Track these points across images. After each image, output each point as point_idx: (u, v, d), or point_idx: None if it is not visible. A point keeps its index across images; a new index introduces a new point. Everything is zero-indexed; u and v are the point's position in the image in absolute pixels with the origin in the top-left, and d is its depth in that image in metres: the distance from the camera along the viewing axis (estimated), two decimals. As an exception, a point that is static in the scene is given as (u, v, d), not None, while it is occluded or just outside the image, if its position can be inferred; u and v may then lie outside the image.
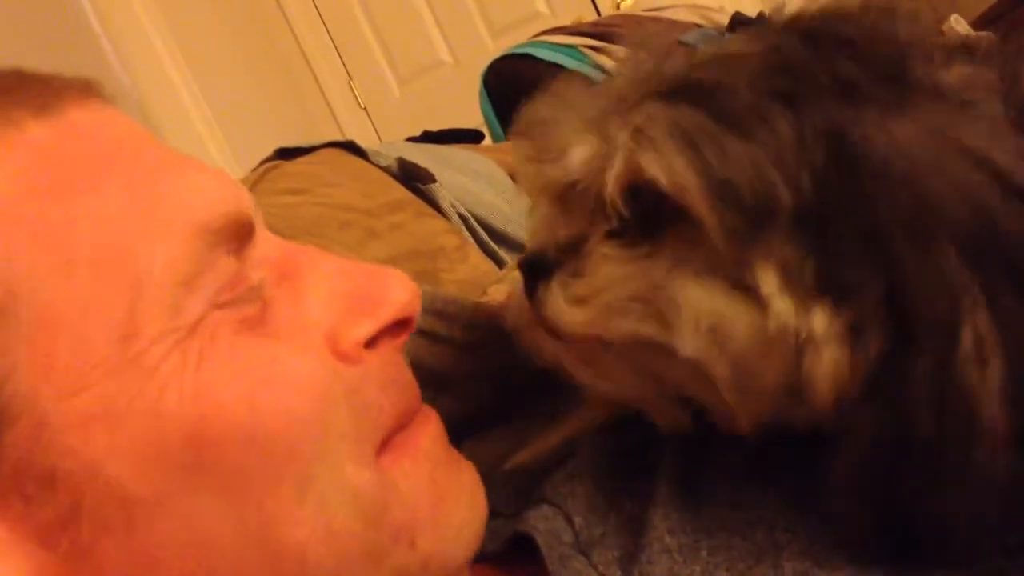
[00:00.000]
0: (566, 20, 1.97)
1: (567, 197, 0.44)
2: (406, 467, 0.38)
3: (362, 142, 1.00)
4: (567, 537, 0.44)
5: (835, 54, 0.39)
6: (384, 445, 0.37)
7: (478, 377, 0.54)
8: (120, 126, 0.37)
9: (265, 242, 0.39)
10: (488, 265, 0.92)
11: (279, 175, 0.89)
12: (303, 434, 0.35)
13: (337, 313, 0.38)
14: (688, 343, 0.39)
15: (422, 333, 0.51)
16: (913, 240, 0.35)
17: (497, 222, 1.00)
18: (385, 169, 0.96)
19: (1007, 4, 1.78)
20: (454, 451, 0.41)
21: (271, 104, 2.75)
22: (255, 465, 0.34)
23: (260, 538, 0.34)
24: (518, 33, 2.19)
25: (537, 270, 0.44)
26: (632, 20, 1.68)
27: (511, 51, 1.62)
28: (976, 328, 0.35)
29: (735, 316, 0.38)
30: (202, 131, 2.34)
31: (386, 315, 0.38)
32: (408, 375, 0.40)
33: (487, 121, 1.66)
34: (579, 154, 0.42)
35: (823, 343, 0.37)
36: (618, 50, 1.40)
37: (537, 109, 0.44)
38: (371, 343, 0.38)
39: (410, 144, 1.18)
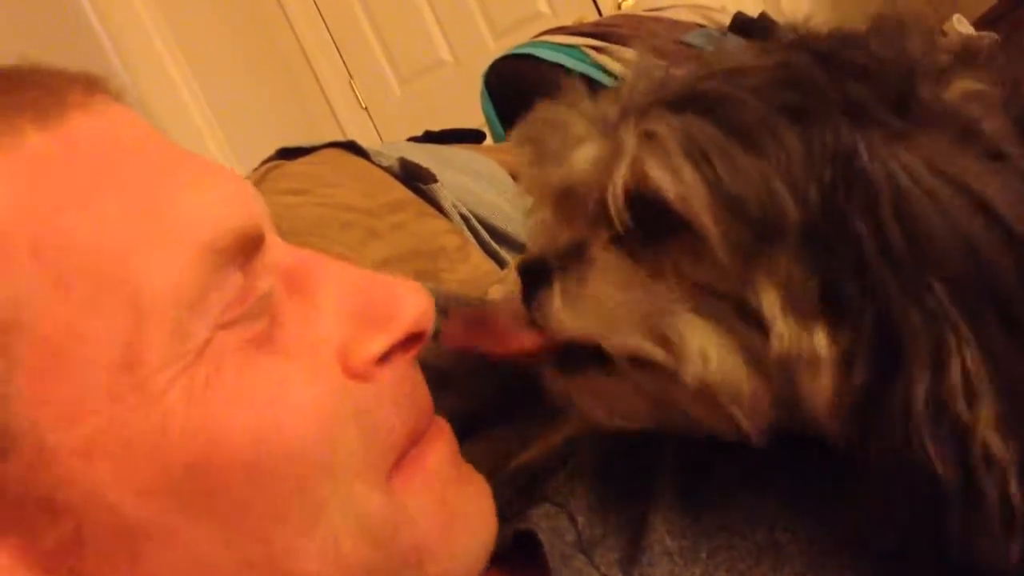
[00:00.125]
0: (568, 20, 1.97)
1: (569, 201, 0.43)
2: (416, 488, 0.37)
3: (363, 142, 1.01)
4: (570, 536, 0.44)
5: (845, 73, 0.38)
6: (395, 464, 0.37)
7: (480, 374, 0.54)
8: (125, 129, 0.36)
9: (275, 248, 0.38)
10: (489, 265, 0.92)
11: (280, 175, 0.89)
12: (310, 463, 0.34)
13: (349, 328, 0.37)
14: (691, 371, 0.39)
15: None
16: (904, 273, 0.35)
17: (499, 222, 1.00)
18: (386, 169, 0.96)
19: (1008, 5, 1.78)
20: (465, 465, 0.41)
21: (271, 103, 2.75)
22: (260, 497, 0.33)
23: (267, 571, 0.33)
24: (519, 33, 2.19)
25: (536, 275, 0.43)
26: (634, 20, 1.68)
27: (513, 51, 1.62)
28: (964, 363, 0.35)
29: (738, 343, 0.38)
30: (202, 130, 2.34)
31: (399, 330, 0.37)
32: (421, 389, 0.40)
33: (488, 121, 1.66)
34: (584, 156, 0.41)
35: (824, 365, 0.37)
36: (621, 50, 1.39)
37: (543, 112, 0.44)
38: (384, 358, 0.37)
39: (411, 144, 1.18)
